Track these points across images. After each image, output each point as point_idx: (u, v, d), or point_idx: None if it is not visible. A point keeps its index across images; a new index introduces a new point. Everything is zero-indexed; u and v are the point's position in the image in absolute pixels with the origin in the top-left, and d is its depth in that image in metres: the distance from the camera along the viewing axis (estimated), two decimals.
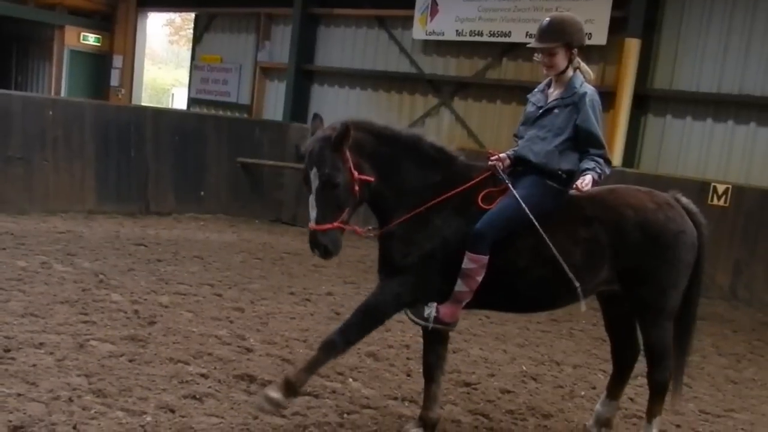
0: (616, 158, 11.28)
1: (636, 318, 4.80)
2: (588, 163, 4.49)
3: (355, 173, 4.33)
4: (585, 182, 4.37)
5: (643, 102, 11.57)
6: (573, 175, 4.55)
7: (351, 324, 4.53)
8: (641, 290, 4.65)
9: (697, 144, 11.18)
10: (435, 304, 4.49)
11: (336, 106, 14.98)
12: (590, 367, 6.84)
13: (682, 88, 11.34)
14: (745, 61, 10.75)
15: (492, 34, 12.76)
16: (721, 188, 10.08)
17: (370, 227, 4.82)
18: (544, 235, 4.36)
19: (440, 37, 13.61)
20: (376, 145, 4.49)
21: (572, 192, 4.44)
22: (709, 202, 9.97)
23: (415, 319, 4.52)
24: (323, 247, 4.30)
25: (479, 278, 4.40)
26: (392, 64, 14.61)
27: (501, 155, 4.73)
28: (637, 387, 5.99)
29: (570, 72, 4.66)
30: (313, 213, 4.33)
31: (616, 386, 5.12)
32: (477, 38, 13.05)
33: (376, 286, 4.66)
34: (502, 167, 4.66)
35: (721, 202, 10.04)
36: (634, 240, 4.55)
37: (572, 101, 4.57)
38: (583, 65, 4.74)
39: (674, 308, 4.74)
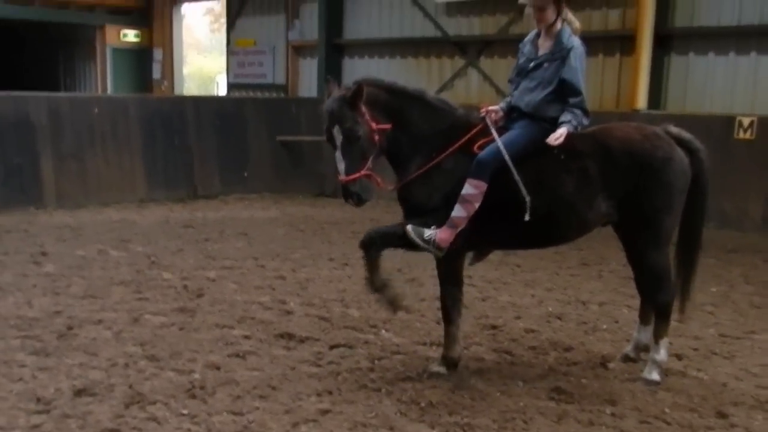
0: (641, 101, 11.37)
1: (634, 243, 5.09)
2: (565, 116, 4.84)
3: (373, 124, 4.76)
4: (557, 136, 4.75)
5: (665, 42, 11.57)
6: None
7: (389, 231, 4.97)
8: (636, 215, 4.96)
9: (722, 79, 11.15)
10: (436, 229, 4.81)
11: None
12: (615, 303, 7.11)
13: (702, 24, 11.29)
14: None
15: None
16: (746, 121, 10.11)
17: (391, 186, 5.17)
18: (513, 169, 4.73)
19: None
20: (387, 97, 4.91)
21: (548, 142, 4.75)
22: (735, 136, 10.03)
23: (414, 237, 4.80)
24: (355, 195, 4.75)
25: (477, 204, 4.77)
26: (417, 29, 14.84)
27: (492, 108, 5.07)
28: None
29: (558, 24, 4.97)
30: (341, 166, 4.77)
31: (646, 313, 5.44)
32: None
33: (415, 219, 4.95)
34: (494, 119, 4.99)
35: (748, 135, 10.07)
36: (622, 168, 4.86)
37: (560, 56, 4.91)
38: (571, 16, 5.02)
39: (669, 232, 5.04)
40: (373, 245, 4.93)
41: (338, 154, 4.77)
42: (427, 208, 4.89)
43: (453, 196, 4.82)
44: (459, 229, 4.81)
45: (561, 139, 4.76)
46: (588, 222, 5.02)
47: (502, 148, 4.76)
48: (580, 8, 12.38)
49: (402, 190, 5.04)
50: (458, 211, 4.79)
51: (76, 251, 8.80)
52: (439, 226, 4.81)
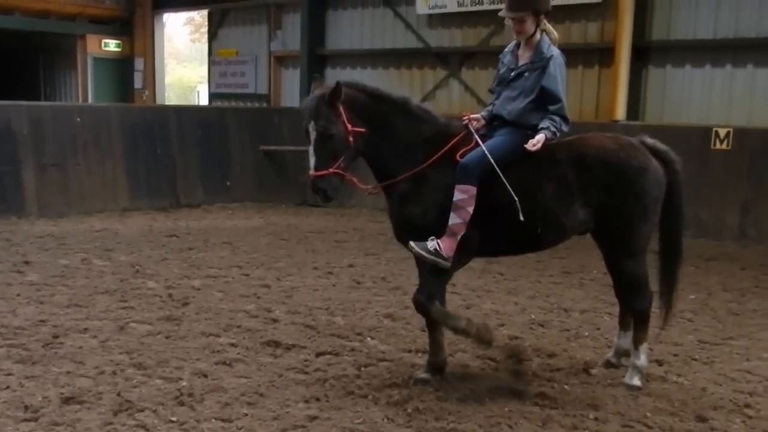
0: (620, 112, 11.58)
1: (611, 252, 5.21)
2: (544, 123, 4.95)
3: (349, 126, 4.83)
4: (534, 142, 4.86)
5: (642, 54, 11.82)
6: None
7: (427, 282, 5.03)
8: (612, 224, 5.07)
9: (698, 91, 11.42)
10: (436, 239, 4.88)
11: None
12: (597, 311, 7.22)
13: (679, 37, 11.55)
14: (739, 3, 10.94)
15: (492, 2, 13.04)
16: (722, 132, 10.34)
17: (371, 186, 5.28)
18: (499, 171, 4.81)
19: (443, 10, 13.94)
20: (368, 102, 4.99)
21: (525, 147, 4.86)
22: (712, 146, 10.27)
23: (419, 251, 4.89)
24: (322, 191, 4.84)
25: (470, 209, 4.85)
26: (400, 40, 14.99)
27: (474, 116, 5.19)
28: None
29: (538, 35, 5.09)
30: (311, 161, 4.84)
31: (626, 319, 5.54)
32: (478, 7, 13.36)
33: None
34: (475, 126, 5.11)
35: (724, 146, 10.30)
36: (598, 177, 4.98)
37: (540, 65, 5.02)
38: (549, 27, 5.16)
39: (645, 240, 5.16)
40: (426, 306, 4.99)
41: (310, 150, 4.85)
42: (423, 225, 4.95)
43: (445, 207, 4.90)
44: (459, 236, 4.88)
45: (539, 146, 4.85)
46: (565, 228, 5.11)
47: (486, 152, 4.85)
48: (559, 21, 12.58)
49: (394, 209, 5.13)
50: (454, 219, 4.86)
51: (59, 260, 8.79)
52: (438, 236, 4.89)
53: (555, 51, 5.05)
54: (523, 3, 5.01)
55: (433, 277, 5.01)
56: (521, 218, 4.82)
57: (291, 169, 14.77)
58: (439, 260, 4.87)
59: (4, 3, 17.95)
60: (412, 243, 4.90)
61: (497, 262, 8.63)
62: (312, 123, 4.81)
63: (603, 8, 12.06)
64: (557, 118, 4.96)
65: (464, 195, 4.84)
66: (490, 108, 5.29)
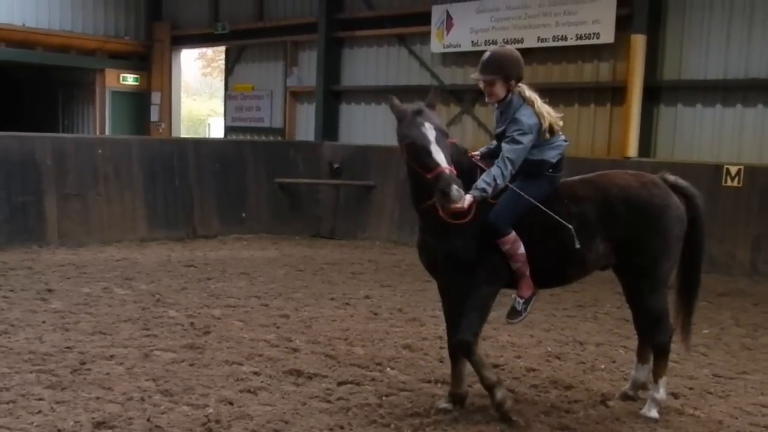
0: (632, 149, 11.78)
1: (633, 286, 5.34)
2: (479, 182, 4.93)
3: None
4: (464, 202, 4.71)
5: (654, 93, 12.03)
6: (555, 165, 5.18)
7: (469, 321, 5.07)
8: (635, 260, 5.21)
9: (709, 129, 11.61)
10: (514, 295, 5.14)
11: (364, 123, 15.79)
12: (612, 344, 7.31)
13: (690, 77, 11.77)
14: (749, 45, 11.17)
15: (506, 42, 13.28)
16: (733, 170, 10.51)
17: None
18: (543, 208, 4.97)
19: (457, 49, 14.24)
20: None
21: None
22: (723, 183, 10.43)
23: (515, 320, 5.21)
24: (460, 183, 4.58)
25: (521, 250, 4.98)
26: (414, 78, 15.27)
27: (474, 153, 5.36)
28: None
29: (509, 98, 5.15)
30: (439, 156, 4.63)
31: (643, 351, 5.64)
32: (492, 47, 13.58)
33: (472, 286, 5.09)
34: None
35: (735, 183, 10.46)
36: (621, 214, 5.12)
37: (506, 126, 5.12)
38: (525, 91, 5.14)
39: (668, 275, 5.29)
40: (468, 348, 5.06)
41: (434, 147, 4.66)
42: (467, 258, 5.01)
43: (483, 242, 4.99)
44: (527, 272, 5.05)
45: (465, 206, 4.74)
46: (587, 264, 5.25)
47: (528, 198, 4.99)
48: (572, 60, 12.92)
49: (441, 244, 5.09)
50: (515, 264, 5.01)
51: (81, 288, 8.96)
52: (504, 274, 5.08)
53: (523, 115, 5.02)
54: (492, 67, 5.09)
55: (476, 313, 5.05)
56: (577, 245, 4.95)
57: (305, 201, 15.01)
58: (529, 306, 5.18)
59: (26, 38, 18.43)
60: (508, 318, 5.22)
61: (509, 295, 8.72)
62: (428, 124, 4.73)
63: (615, 49, 12.30)
64: (498, 172, 4.93)
65: (508, 245, 4.96)
66: (493, 144, 5.43)
